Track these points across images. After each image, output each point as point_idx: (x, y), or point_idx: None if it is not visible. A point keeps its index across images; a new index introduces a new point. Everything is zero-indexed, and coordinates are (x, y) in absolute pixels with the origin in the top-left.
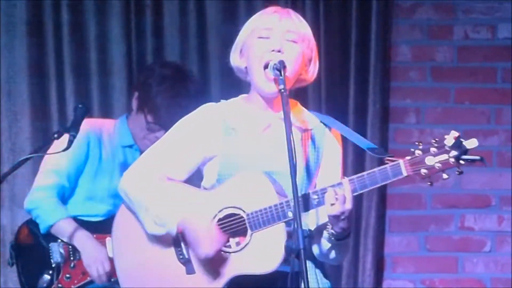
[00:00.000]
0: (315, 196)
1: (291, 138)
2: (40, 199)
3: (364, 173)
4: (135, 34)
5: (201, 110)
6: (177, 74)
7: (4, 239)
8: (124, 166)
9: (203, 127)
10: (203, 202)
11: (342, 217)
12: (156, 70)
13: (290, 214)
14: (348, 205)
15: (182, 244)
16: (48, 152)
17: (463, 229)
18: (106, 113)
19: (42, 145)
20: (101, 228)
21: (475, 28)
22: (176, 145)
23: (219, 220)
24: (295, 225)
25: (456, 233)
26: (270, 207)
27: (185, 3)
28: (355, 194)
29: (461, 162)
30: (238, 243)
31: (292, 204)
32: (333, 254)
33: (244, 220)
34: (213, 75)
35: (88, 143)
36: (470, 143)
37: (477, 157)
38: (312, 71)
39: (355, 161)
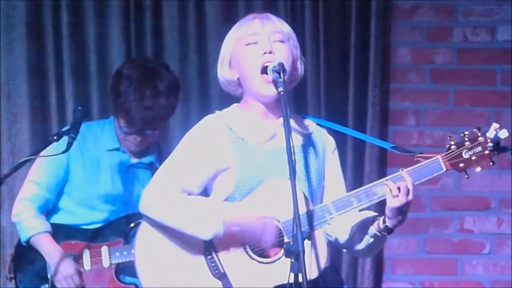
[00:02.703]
0: (353, 199)
1: (291, 141)
2: (20, 213)
3: (405, 170)
4: (134, 36)
5: (204, 122)
6: (144, 74)
7: (3, 240)
8: (113, 170)
9: (212, 139)
10: (239, 211)
11: (405, 208)
12: (124, 72)
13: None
14: (411, 196)
15: (215, 257)
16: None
17: (462, 231)
18: (106, 115)
19: (41, 147)
20: (97, 235)
21: (474, 31)
22: (189, 159)
23: None
24: (294, 227)
25: (455, 235)
26: (307, 213)
27: (184, 4)
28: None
29: (495, 152)
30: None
31: (330, 208)
32: (371, 248)
33: (280, 230)
34: (213, 77)
35: (68, 153)
36: (502, 133)
37: (510, 147)
38: (301, 68)
39: (354, 162)
